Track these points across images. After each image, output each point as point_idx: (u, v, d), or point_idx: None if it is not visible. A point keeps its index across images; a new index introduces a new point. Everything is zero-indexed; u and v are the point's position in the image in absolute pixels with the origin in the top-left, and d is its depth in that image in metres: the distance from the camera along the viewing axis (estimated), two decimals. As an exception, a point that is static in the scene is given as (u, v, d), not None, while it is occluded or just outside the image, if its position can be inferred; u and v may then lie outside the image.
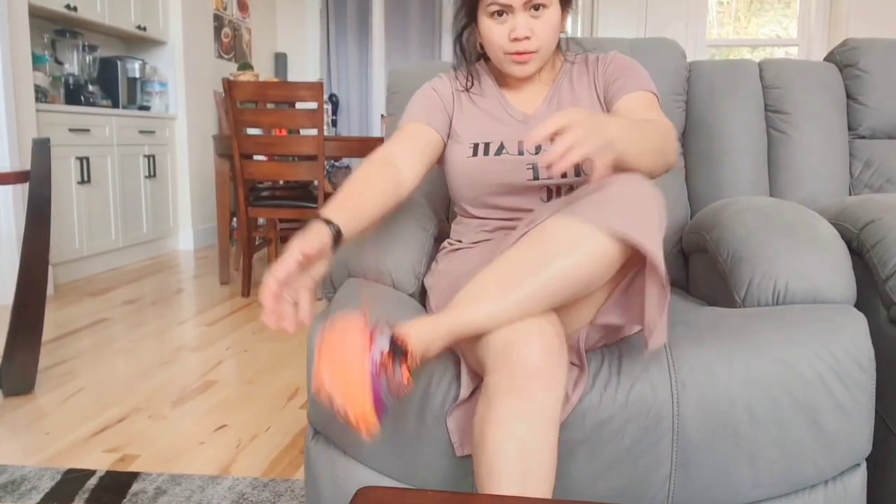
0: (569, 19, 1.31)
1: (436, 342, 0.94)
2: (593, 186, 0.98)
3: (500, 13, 1.20)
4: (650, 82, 1.29)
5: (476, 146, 1.29)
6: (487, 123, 1.31)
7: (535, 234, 0.98)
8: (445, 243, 1.39)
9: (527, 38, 1.20)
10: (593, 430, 1.04)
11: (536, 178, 1.25)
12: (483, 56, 1.36)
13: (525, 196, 1.27)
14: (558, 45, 1.33)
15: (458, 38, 1.34)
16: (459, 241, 1.35)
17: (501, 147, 1.27)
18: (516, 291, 0.93)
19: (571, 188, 1.24)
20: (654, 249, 0.91)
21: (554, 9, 1.21)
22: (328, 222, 1.03)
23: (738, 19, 6.14)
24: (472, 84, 1.36)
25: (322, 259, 1.01)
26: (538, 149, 1.24)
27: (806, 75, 1.77)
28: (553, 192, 1.26)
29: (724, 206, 1.45)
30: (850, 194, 1.76)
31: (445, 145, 1.33)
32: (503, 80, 1.35)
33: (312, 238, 0.98)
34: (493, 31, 1.22)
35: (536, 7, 1.19)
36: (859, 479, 1.12)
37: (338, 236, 1.03)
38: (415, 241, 1.37)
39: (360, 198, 1.13)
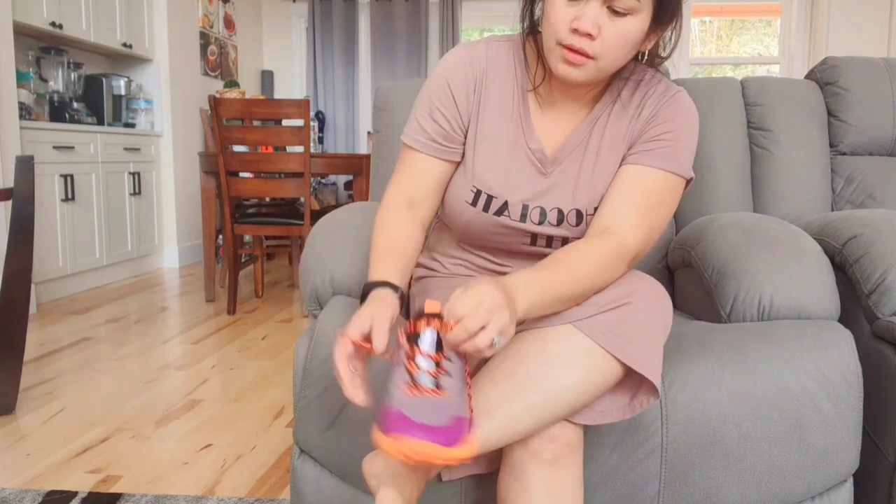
0: (661, 45, 1.05)
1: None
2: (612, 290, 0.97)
3: None
4: (685, 161, 1.07)
5: (478, 194, 1.12)
6: (499, 158, 1.12)
7: (537, 347, 0.93)
8: (421, 258, 1.31)
9: (589, 35, 0.95)
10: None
11: (534, 244, 1.15)
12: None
13: (515, 253, 1.19)
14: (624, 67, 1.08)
15: (528, 8, 1.09)
16: (436, 263, 1.27)
17: (504, 207, 1.11)
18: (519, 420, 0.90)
19: (565, 240, 1.13)
20: (656, 376, 0.92)
21: (639, 20, 0.96)
22: (392, 287, 0.99)
23: (720, 38, 6.23)
24: (543, 83, 1.11)
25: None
26: (542, 217, 1.11)
27: (787, 93, 1.80)
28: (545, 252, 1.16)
29: (708, 222, 1.47)
30: (833, 210, 1.78)
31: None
32: (543, 78, 1.11)
33: (385, 308, 0.93)
34: (557, 10, 0.97)
35: (617, 7, 0.94)
36: (846, 494, 1.13)
37: (401, 299, 1.00)
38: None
39: (404, 253, 1.08)
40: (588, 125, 1.11)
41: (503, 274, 1.17)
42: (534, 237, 1.13)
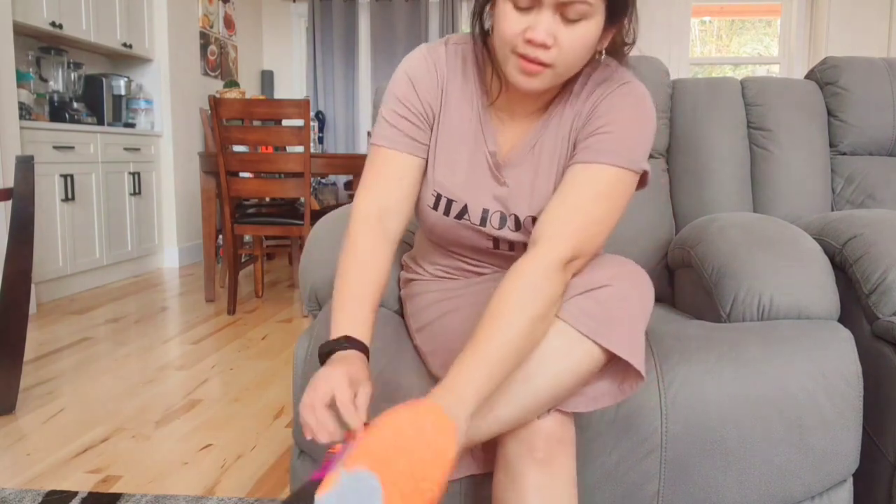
0: (622, 35, 1.00)
1: None
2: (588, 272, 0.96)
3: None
4: (626, 150, 0.99)
5: (438, 198, 1.10)
6: (459, 162, 1.09)
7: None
8: (408, 261, 1.32)
9: (544, 45, 0.90)
10: (581, 447, 1.04)
11: (497, 247, 1.13)
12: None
13: (485, 253, 1.15)
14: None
15: (477, 15, 1.03)
16: (420, 268, 1.26)
17: (464, 211, 1.09)
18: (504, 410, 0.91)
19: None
20: (638, 358, 0.92)
21: (594, 23, 0.92)
22: (358, 346, 0.93)
23: (720, 38, 6.23)
24: (500, 95, 1.06)
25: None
26: (502, 222, 1.09)
27: (787, 93, 1.80)
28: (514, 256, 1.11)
29: (708, 222, 1.47)
30: (833, 210, 1.78)
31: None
32: (500, 87, 1.06)
33: (350, 372, 0.87)
34: (508, 20, 0.92)
35: (570, 14, 0.90)
36: (846, 494, 1.13)
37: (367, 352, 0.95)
38: (397, 257, 1.37)
39: (374, 289, 1.00)
40: (539, 129, 1.07)
41: (481, 275, 1.18)
42: (496, 241, 1.11)
